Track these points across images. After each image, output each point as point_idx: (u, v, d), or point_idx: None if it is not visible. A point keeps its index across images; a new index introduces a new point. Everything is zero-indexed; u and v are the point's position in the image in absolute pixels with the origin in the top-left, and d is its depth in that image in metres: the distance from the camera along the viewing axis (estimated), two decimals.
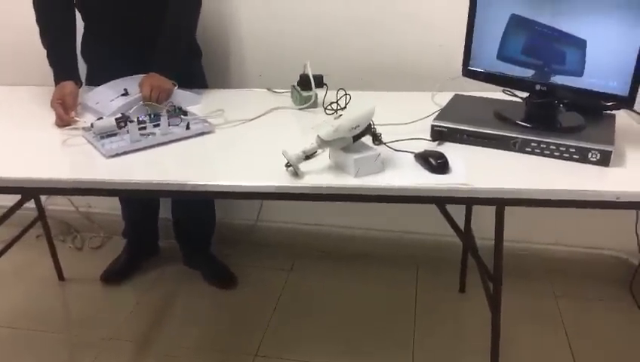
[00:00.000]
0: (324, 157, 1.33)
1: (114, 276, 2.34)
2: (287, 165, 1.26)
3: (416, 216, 2.32)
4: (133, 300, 2.23)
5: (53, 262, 2.34)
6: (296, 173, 1.25)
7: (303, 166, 1.27)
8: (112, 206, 2.56)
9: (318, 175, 1.28)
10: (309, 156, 1.27)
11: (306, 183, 1.24)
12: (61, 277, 2.36)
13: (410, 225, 2.38)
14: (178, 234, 2.37)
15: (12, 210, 1.88)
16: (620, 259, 2.22)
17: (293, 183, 1.24)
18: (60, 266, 2.36)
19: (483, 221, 1.92)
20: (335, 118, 1.26)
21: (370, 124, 1.28)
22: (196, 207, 2.29)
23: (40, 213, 2.20)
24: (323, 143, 1.26)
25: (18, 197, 1.97)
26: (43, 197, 2.32)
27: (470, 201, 1.25)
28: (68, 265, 2.39)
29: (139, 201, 2.29)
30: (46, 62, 1.73)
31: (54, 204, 2.60)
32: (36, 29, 1.73)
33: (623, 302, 2.05)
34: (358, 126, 1.25)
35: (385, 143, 1.38)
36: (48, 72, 1.73)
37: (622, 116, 1.53)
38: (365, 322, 2.09)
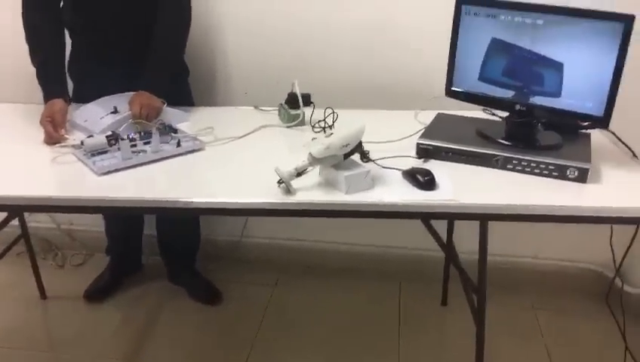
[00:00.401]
0: (314, 174, 1.36)
1: (97, 294, 2.33)
2: (280, 182, 1.29)
3: (398, 231, 2.37)
4: (117, 318, 2.22)
5: (36, 280, 2.32)
6: (288, 190, 1.28)
7: (295, 183, 1.30)
8: (93, 223, 2.55)
9: (310, 192, 1.31)
10: (300, 173, 1.31)
11: (299, 200, 1.27)
12: (43, 295, 2.34)
13: (393, 240, 2.42)
14: (163, 251, 2.37)
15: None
16: (595, 272, 2.29)
17: (287, 200, 1.27)
18: (43, 284, 2.34)
19: (464, 236, 1.98)
20: (326, 136, 1.30)
21: (360, 142, 1.32)
22: (181, 224, 2.30)
23: (23, 231, 2.19)
24: (314, 161, 1.30)
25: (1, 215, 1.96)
26: (25, 215, 2.30)
27: (457, 216, 1.30)
28: (50, 283, 2.37)
29: (124, 218, 2.29)
30: (34, 79, 1.73)
31: (35, 221, 2.57)
32: (25, 48, 1.74)
33: (599, 314, 2.12)
34: (349, 144, 1.29)
35: (373, 161, 1.42)
36: (35, 90, 1.74)
37: (596, 135, 1.60)
38: (351, 335, 2.12)
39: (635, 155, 1.53)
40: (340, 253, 2.48)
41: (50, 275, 2.42)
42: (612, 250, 1.71)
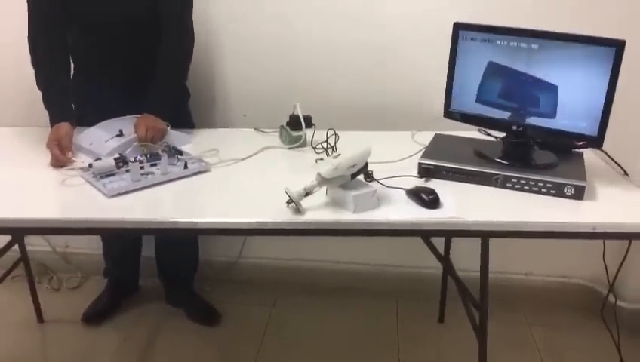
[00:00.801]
0: (321, 194, 1.40)
1: (95, 316, 2.32)
2: (289, 202, 1.33)
3: (394, 249, 2.41)
4: (116, 340, 2.21)
5: (33, 303, 2.31)
6: (298, 210, 1.32)
7: (303, 202, 1.34)
8: (89, 245, 2.56)
9: (318, 211, 1.35)
10: (308, 193, 1.34)
11: (309, 219, 1.31)
12: (40, 319, 2.33)
13: (389, 258, 2.46)
14: (161, 272, 2.38)
15: (1, 252, 1.87)
16: (587, 288, 2.35)
17: (296, 219, 1.30)
18: (40, 308, 2.33)
19: (460, 254, 2.03)
20: (333, 158, 1.34)
21: (366, 162, 1.36)
22: (180, 245, 2.31)
23: (23, 255, 2.18)
24: (323, 181, 1.33)
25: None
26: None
27: (461, 234, 1.34)
28: (46, 307, 2.36)
29: (122, 240, 2.30)
30: (37, 102, 1.76)
31: (30, 245, 2.56)
32: (27, 70, 1.77)
33: (594, 329, 2.16)
34: (356, 165, 1.34)
35: (377, 180, 1.47)
36: (39, 113, 1.76)
37: (588, 154, 1.66)
38: (350, 354, 2.14)
39: (626, 173, 1.59)
40: (338, 271, 2.51)
41: (46, 299, 2.41)
42: (605, 266, 1.77)
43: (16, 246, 2.17)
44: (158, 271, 2.38)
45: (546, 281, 2.39)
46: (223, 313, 2.35)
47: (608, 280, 1.74)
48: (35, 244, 2.59)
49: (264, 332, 2.27)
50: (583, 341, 2.19)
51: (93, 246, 2.47)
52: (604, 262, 1.75)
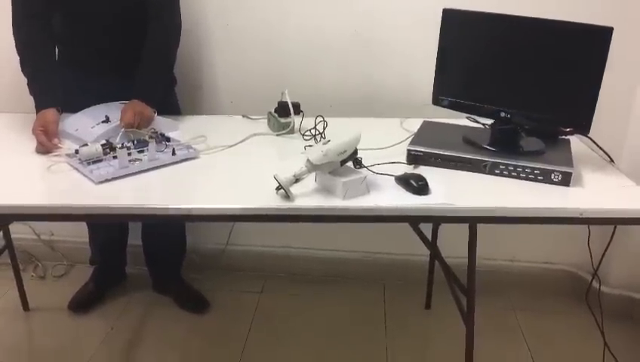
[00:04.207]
0: (310, 180, 1.40)
1: (82, 304, 2.31)
2: (278, 188, 1.32)
3: (382, 237, 2.42)
4: (104, 328, 2.20)
5: (19, 291, 2.28)
6: (287, 196, 1.31)
7: (292, 189, 1.33)
8: (74, 233, 2.53)
9: (307, 197, 1.35)
10: (298, 179, 1.34)
11: (298, 205, 1.31)
12: (26, 307, 2.31)
13: (376, 246, 2.47)
14: (149, 259, 2.37)
15: None
16: (571, 273, 2.38)
17: (286, 205, 1.30)
18: (26, 296, 2.30)
19: (445, 240, 2.05)
20: (324, 144, 1.34)
21: (356, 149, 1.36)
22: (167, 232, 2.30)
23: (7, 242, 2.16)
24: (312, 167, 1.33)
25: None
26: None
27: (451, 220, 1.35)
28: (32, 295, 2.33)
29: (108, 227, 2.28)
30: (23, 88, 1.73)
31: (15, 233, 2.53)
32: (14, 57, 1.74)
33: (578, 314, 2.20)
34: (346, 151, 1.34)
35: (366, 167, 1.47)
36: (25, 99, 1.74)
37: (575, 141, 1.68)
38: (338, 340, 2.15)
39: (611, 160, 1.61)
40: (325, 258, 2.51)
41: (31, 287, 2.38)
42: (590, 252, 1.79)
43: (0, 234, 2.14)
44: (145, 258, 2.37)
45: (531, 267, 2.42)
46: (211, 300, 2.35)
47: (593, 266, 1.76)
48: (20, 232, 2.56)
49: (252, 319, 2.27)
50: (568, 326, 2.23)
51: (78, 233, 2.45)
52: (589, 247, 1.77)
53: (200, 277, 2.47)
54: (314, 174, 1.40)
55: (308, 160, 1.33)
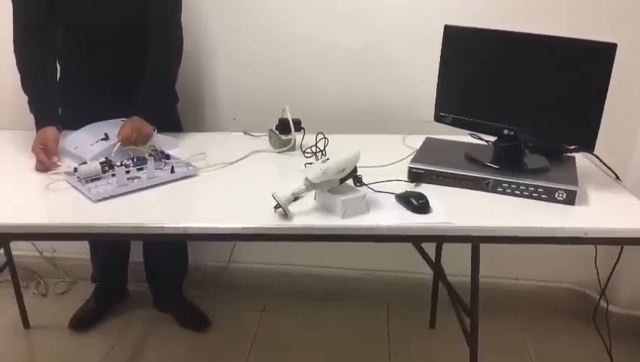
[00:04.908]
0: (309, 198, 1.38)
1: (83, 322, 2.29)
2: (276, 207, 1.30)
3: (385, 255, 2.39)
4: (104, 346, 2.18)
5: (19, 309, 2.27)
6: (285, 215, 1.30)
7: (291, 207, 1.31)
8: (76, 250, 2.53)
9: (306, 216, 1.32)
10: (296, 198, 1.32)
11: (297, 224, 1.28)
12: (27, 324, 2.29)
13: (379, 264, 2.44)
14: (150, 277, 2.35)
15: None
16: (577, 292, 2.34)
17: (284, 224, 1.28)
18: (26, 313, 2.29)
19: (453, 259, 2.01)
20: (322, 162, 1.32)
21: (355, 167, 1.34)
22: (169, 249, 2.28)
23: (8, 259, 2.15)
24: (311, 185, 1.31)
25: None
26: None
27: (451, 239, 1.32)
28: (33, 312, 2.32)
29: (110, 245, 2.26)
30: (23, 105, 1.73)
31: (17, 250, 2.52)
32: (14, 73, 1.74)
33: (586, 334, 2.16)
34: (345, 169, 1.32)
35: (366, 185, 1.45)
36: (26, 116, 1.73)
37: (580, 158, 1.65)
38: (341, 360, 2.12)
39: (618, 178, 1.58)
40: (328, 276, 2.48)
41: (33, 304, 2.38)
42: (597, 271, 1.76)
43: (1, 251, 2.13)
44: (147, 275, 2.35)
45: (537, 286, 2.38)
46: (213, 318, 2.33)
47: (600, 285, 1.72)
48: (22, 249, 2.56)
49: (254, 337, 2.24)
50: (575, 346, 2.18)
51: (81, 250, 2.44)
52: (595, 267, 1.74)
53: (201, 295, 2.44)
54: (314, 192, 1.38)
55: (306, 178, 1.31)
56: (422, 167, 1.53)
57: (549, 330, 2.28)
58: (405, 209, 1.36)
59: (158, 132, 1.77)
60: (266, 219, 1.30)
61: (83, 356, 2.13)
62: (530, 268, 2.36)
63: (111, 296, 2.41)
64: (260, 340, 2.23)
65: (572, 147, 1.51)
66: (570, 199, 1.40)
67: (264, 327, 2.31)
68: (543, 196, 1.42)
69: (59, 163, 1.60)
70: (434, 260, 2.06)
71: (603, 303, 1.96)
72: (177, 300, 2.36)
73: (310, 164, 1.50)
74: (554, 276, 2.36)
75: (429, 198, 1.36)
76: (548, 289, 2.37)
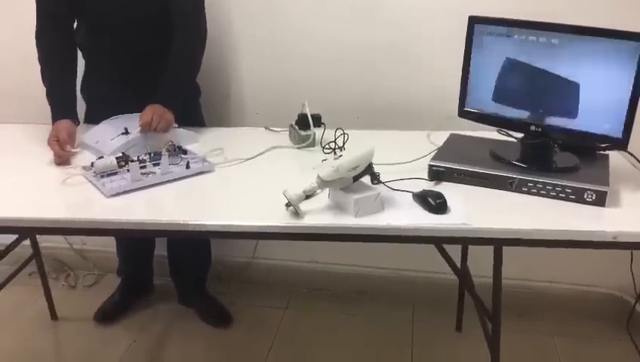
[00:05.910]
0: (323, 196, 1.34)
1: (108, 315, 2.31)
2: (288, 205, 1.27)
3: (412, 253, 2.32)
4: (127, 340, 2.19)
5: (47, 300, 2.31)
6: (296, 213, 1.26)
7: (303, 205, 1.28)
8: (106, 243, 2.55)
9: (318, 215, 1.29)
10: (309, 196, 1.28)
11: (307, 223, 1.25)
12: (54, 316, 2.33)
13: (406, 263, 2.38)
14: (174, 272, 2.36)
15: (8, 248, 1.86)
16: (615, 297, 2.22)
17: (295, 223, 1.25)
18: (54, 305, 2.33)
19: (479, 259, 1.93)
20: (335, 159, 1.28)
21: (370, 164, 1.30)
22: (192, 245, 2.28)
23: (35, 251, 2.19)
24: (323, 183, 1.27)
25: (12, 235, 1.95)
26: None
27: (469, 242, 1.27)
28: (61, 304, 2.36)
29: (135, 239, 2.28)
30: (43, 99, 1.74)
31: (48, 241, 2.57)
32: (32, 67, 1.75)
33: (619, 341, 2.05)
34: (358, 166, 1.27)
35: (383, 183, 1.39)
36: (45, 110, 1.74)
37: (615, 157, 1.55)
38: (363, 360, 2.07)
39: None
40: (352, 275, 2.44)
41: (61, 296, 2.42)
42: (632, 275, 1.66)
43: (29, 242, 2.17)
44: (170, 270, 2.36)
45: (570, 289, 2.27)
46: (235, 314, 2.31)
47: (635, 290, 1.63)
48: (53, 241, 2.61)
49: (275, 334, 2.22)
50: (608, 353, 2.08)
51: (110, 244, 2.46)
52: (631, 271, 1.65)
53: (225, 291, 2.43)
54: (327, 190, 1.34)
55: (318, 176, 1.27)
56: (443, 165, 1.47)
57: (581, 336, 2.18)
58: (422, 208, 1.30)
59: (179, 126, 1.76)
60: (275, 218, 1.26)
61: (106, 349, 2.15)
62: (565, 270, 2.26)
63: (136, 289, 2.42)
64: (281, 338, 2.21)
65: (604, 145, 1.42)
66: (600, 200, 1.31)
67: (286, 325, 2.28)
68: (570, 197, 1.34)
69: (73, 150, 1.60)
70: (460, 260, 1.99)
71: (639, 308, 1.85)
72: (201, 295, 2.36)
73: (325, 160, 1.45)
74: (588, 279, 2.25)
75: (448, 198, 1.30)
76: (582, 293, 2.27)
